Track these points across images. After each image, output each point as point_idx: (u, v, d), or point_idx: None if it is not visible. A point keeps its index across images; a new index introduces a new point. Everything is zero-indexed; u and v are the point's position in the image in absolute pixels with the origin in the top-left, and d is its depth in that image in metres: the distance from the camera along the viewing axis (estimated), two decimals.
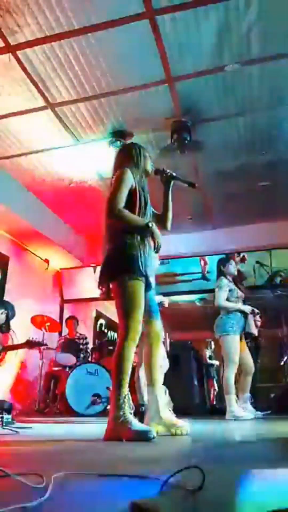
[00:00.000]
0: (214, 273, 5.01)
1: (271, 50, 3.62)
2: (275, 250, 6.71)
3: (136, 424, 2.05)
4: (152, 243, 2.34)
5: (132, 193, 2.33)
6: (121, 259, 2.28)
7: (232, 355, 4.20)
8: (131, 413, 2.09)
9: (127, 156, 2.50)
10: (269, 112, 4.39)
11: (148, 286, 2.36)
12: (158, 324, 2.47)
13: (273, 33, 3.44)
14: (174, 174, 2.64)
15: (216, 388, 8.00)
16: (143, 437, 1.95)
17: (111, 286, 2.32)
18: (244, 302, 4.50)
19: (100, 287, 2.38)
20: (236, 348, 4.23)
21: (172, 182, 2.63)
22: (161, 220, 2.58)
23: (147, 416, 2.39)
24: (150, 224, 2.28)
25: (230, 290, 4.40)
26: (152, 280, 2.46)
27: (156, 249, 2.35)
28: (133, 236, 2.29)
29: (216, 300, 4.40)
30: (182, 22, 3.36)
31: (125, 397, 2.10)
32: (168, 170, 2.64)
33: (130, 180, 2.33)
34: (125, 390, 2.12)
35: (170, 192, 2.62)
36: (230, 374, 4.17)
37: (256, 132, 4.68)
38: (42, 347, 5.43)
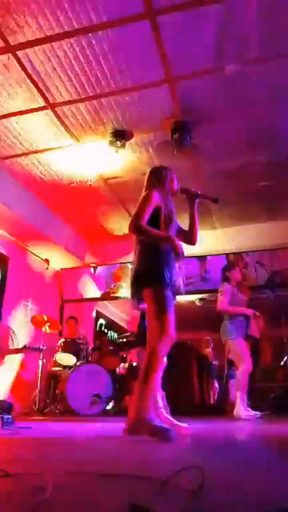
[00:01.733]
0: (213, 273, 5.07)
1: (271, 50, 3.61)
2: (275, 250, 6.71)
3: (158, 422, 2.15)
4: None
5: (158, 212, 2.55)
6: (153, 270, 2.48)
7: (243, 355, 4.36)
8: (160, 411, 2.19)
9: (156, 178, 2.75)
10: (269, 112, 4.38)
11: (175, 293, 2.54)
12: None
13: (273, 33, 3.44)
14: (198, 192, 2.83)
15: (216, 388, 7.99)
16: (164, 435, 2.01)
17: (144, 295, 2.52)
18: (247, 305, 4.61)
19: (132, 298, 2.59)
20: (245, 350, 4.38)
21: (197, 200, 2.82)
22: (187, 236, 2.80)
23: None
24: (170, 235, 2.50)
25: (233, 295, 4.52)
26: (181, 286, 2.64)
27: (178, 258, 2.54)
28: (158, 249, 2.50)
29: (218, 304, 4.51)
30: (182, 22, 3.35)
31: (150, 395, 2.21)
32: (193, 189, 2.84)
33: (155, 200, 2.55)
34: (153, 389, 2.24)
35: (195, 210, 2.82)
36: (244, 373, 4.31)
37: (256, 132, 4.68)
38: (42, 348, 5.43)
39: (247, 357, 4.36)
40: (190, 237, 2.80)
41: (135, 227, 2.45)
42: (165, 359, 2.43)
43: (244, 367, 4.34)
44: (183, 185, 2.85)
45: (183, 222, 2.84)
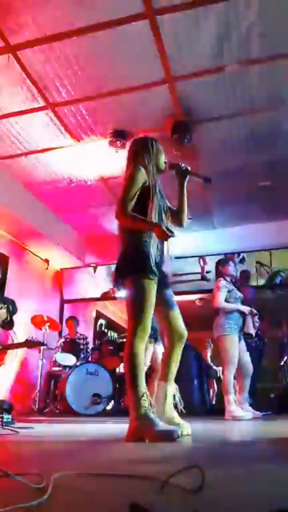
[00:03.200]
0: (213, 273, 5.02)
1: (271, 50, 3.61)
2: (275, 250, 6.72)
3: (159, 423, 1.99)
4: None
5: (145, 190, 2.33)
6: (133, 258, 2.29)
7: (231, 356, 4.21)
8: (152, 412, 2.04)
9: (141, 151, 2.46)
10: (269, 112, 4.39)
11: (163, 285, 2.36)
12: (179, 320, 2.39)
13: (273, 33, 3.44)
14: (189, 168, 2.59)
15: (216, 388, 8.00)
16: (167, 437, 1.89)
17: (124, 284, 2.31)
18: (243, 302, 4.51)
19: (114, 287, 2.40)
20: (235, 348, 4.24)
21: (187, 177, 2.59)
22: (176, 216, 2.56)
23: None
24: (158, 224, 2.24)
25: (229, 291, 4.41)
26: (168, 274, 2.46)
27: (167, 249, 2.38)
28: (145, 235, 2.29)
29: (214, 300, 4.41)
30: (182, 22, 3.36)
31: (143, 395, 2.05)
32: (183, 164, 2.59)
33: (142, 179, 2.32)
34: (142, 387, 2.08)
35: (185, 188, 2.59)
36: (229, 374, 4.18)
37: (256, 132, 4.68)
38: (42, 347, 5.43)
39: (234, 360, 4.19)
40: (178, 218, 2.56)
41: (122, 215, 2.25)
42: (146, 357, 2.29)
43: (227, 371, 4.17)
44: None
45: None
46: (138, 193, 2.30)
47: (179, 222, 2.57)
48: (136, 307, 2.21)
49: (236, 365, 4.22)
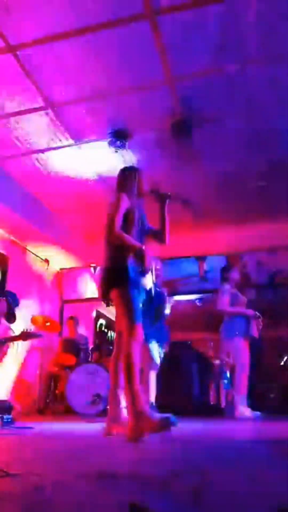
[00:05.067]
0: (212, 273, 5.09)
1: (271, 50, 3.61)
2: (275, 250, 6.71)
3: (155, 414, 2.20)
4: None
5: (128, 214, 2.66)
6: (119, 271, 2.54)
7: (242, 358, 4.33)
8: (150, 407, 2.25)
9: (123, 180, 2.86)
10: (269, 112, 4.38)
11: (145, 294, 2.67)
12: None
13: (273, 33, 3.44)
14: (168, 193, 2.89)
15: (215, 388, 7.99)
16: (166, 424, 2.05)
17: (112, 296, 2.58)
18: (247, 306, 4.61)
19: (102, 298, 2.70)
20: (244, 350, 4.37)
21: (166, 201, 2.88)
22: (158, 235, 2.89)
23: (109, 416, 2.51)
24: (143, 248, 2.57)
25: (233, 296, 4.53)
26: (150, 287, 2.79)
27: (145, 272, 2.61)
28: (127, 252, 2.57)
29: (218, 304, 4.52)
30: (182, 22, 3.35)
31: (138, 394, 2.23)
32: (162, 192, 2.89)
33: (125, 204, 2.66)
34: (137, 388, 2.26)
35: (165, 211, 2.88)
36: (242, 374, 4.29)
37: (256, 132, 4.68)
38: (41, 347, 5.42)
39: (245, 359, 4.34)
40: (160, 237, 2.88)
41: (113, 233, 2.56)
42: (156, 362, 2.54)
43: (241, 369, 4.31)
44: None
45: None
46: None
47: (161, 241, 2.90)
48: (129, 314, 2.43)
49: (248, 366, 4.34)
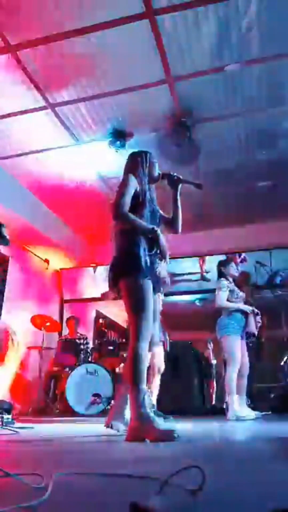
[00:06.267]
0: (213, 273, 5.03)
1: (271, 50, 3.62)
2: (275, 250, 6.71)
3: (159, 423, 2.01)
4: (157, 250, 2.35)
5: (136, 197, 2.38)
6: (128, 258, 2.29)
7: (235, 355, 4.22)
8: (152, 412, 2.06)
9: (133, 164, 2.56)
10: (269, 112, 4.39)
11: (155, 289, 2.35)
12: (156, 330, 2.44)
13: (273, 33, 3.44)
14: (180, 177, 2.65)
15: (215, 388, 7.99)
16: (168, 437, 1.90)
17: (120, 286, 2.31)
18: (245, 302, 4.53)
19: (111, 289, 2.38)
20: (238, 348, 4.26)
21: (180, 185, 2.65)
22: (171, 223, 2.63)
23: (112, 413, 2.43)
24: (155, 228, 2.32)
25: (230, 291, 4.42)
26: (165, 277, 2.46)
27: (162, 256, 2.37)
28: (138, 236, 2.31)
29: (216, 300, 4.42)
30: (182, 22, 3.36)
31: (144, 396, 2.07)
32: (174, 174, 2.65)
33: (133, 184, 2.39)
34: (144, 388, 2.10)
35: (178, 196, 2.65)
36: (233, 374, 4.19)
37: (256, 132, 4.68)
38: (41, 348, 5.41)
39: (238, 360, 4.20)
40: (173, 225, 2.62)
41: (119, 215, 2.29)
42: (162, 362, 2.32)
43: (231, 371, 4.18)
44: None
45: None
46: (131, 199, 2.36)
47: (174, 230, 2.64)
48: (137, 308, 2.21)
49: (239, 365, 4.24)
